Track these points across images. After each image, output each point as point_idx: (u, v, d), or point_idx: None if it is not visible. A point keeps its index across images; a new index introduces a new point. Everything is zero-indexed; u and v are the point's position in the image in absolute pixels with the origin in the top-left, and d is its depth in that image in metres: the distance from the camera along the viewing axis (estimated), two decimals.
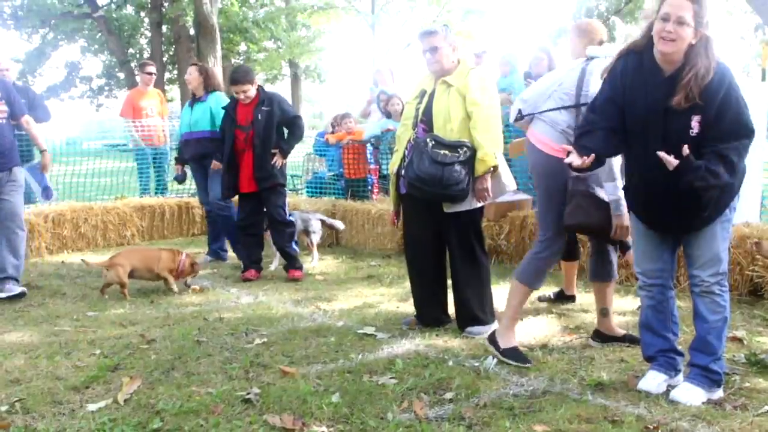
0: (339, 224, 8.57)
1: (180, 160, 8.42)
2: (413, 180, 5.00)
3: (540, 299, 6.13)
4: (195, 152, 8.12)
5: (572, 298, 6.19)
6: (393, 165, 5.43)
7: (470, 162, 4.95)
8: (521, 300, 4.74)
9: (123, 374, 4.36)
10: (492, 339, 4.70)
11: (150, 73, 11.27)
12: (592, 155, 3.80)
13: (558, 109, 4.57)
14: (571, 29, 5.79)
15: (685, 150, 3.57)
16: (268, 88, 7.37)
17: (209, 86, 8.13)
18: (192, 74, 8.19)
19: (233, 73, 7.32)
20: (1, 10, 30.37)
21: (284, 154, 7.27)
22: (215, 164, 7.76)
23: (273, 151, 7.16)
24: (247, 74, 7.23)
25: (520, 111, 4.83)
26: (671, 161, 3.61)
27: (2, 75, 7.83)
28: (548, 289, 6.32)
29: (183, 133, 8.28)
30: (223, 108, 7.50)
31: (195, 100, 8.20)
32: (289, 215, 7.46)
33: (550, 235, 4.65)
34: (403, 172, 5.19)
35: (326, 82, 39.31)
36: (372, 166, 10.03)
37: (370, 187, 9.99)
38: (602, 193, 4.50)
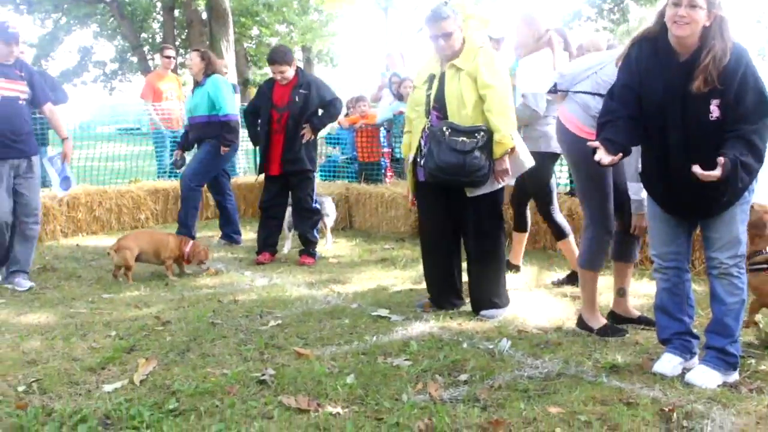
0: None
1: (180, 146, 8.40)
2: (434, 170, 4.97)
3: (553, 283, 6.12)
4: (195, 137, 8.13)
5: (517, 268, 6.44)
6: (406, 149, 5.41)
7: (488, 145, 4.92)
8: (592, 284, 4.79)
9: (138, 355, 4.39)
10: (582, 325, 4.78)
11: (169, 57, 11.33)
12: (620, 154, 3.79)
13: (592, 94, 4.53)
14: (518, 19, 5.86)
15: (720, 160, 3.54)
16: None
17: (210, 71, 8.01)
18: (193, 60, 8.08)
19: (271, 53, 7.26)
20: None
21: (314, 130, 7.18)
22: (223, 149, 7.76)
23: (303, 125, 7.07)
24: (285, 55, 7.13)
25: (555, 84, 4.81)
26: (713, 175, 3.55)
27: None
28: (562, 273, 6.32)
29: (186, 125, 8.28)
30: (222, 89, 7.55)
31: (196, 85, 8.15)
32: (315, 202, 7.44)
33: (596, 218, 4.66)
34: (422, 161, 5.13)
35: (339, 67, 39.20)
36: (385, 150, 10.01)
37: (383, 171, 9.98)
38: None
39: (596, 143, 3.80)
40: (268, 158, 7.22)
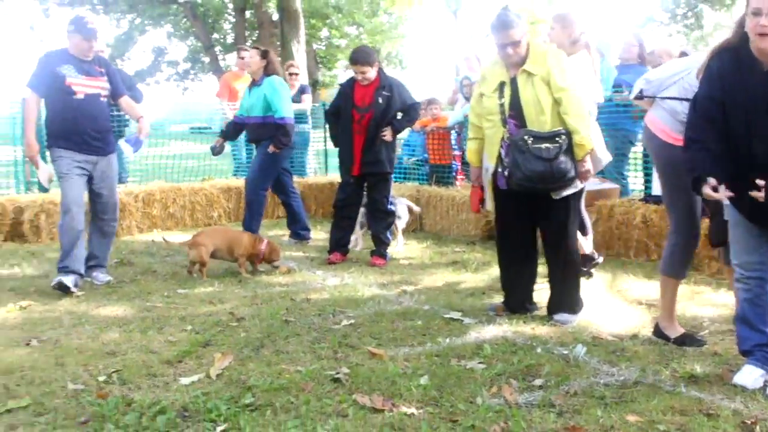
0: (416, 208, 8.58)
1: (222, 135, 8.39)
2: (522, 180, 4.90)
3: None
4: (251, 137, 8.20)
5: (589, 275, 6.32)
6: (472, 156, 5.35)
7: (570, 147, 4.89)
8: (672, 292, 4.70)
9: (214, 350, 4.45)
10: (659, 333, 4.69)
11: (244, 58, 11.46)
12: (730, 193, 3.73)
13: (680, 99, 4.46)
14: (553, 19, 5.76)
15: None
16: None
17: (269, 71, 7.92)
18: (253, 57, 7.98)
19: (354, 53, 7.24)
20: None
21: (395, 132, 7.20)
22: (272, 148, 7.76)
23: (384, 127, 7.07)
24: (368, 56, 7.13)
25: (641, 90, 4.75)
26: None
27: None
28: (637, 280, 6.23)
29: (238, 116, 8.27)
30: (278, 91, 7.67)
31: (253, 84, 8.09)
32: (390, 204, 7.45)
33: (682, 226, 4.60)
34: (505, 171, 5.04)
35: (408, 69, 39.26)
36: (456, 153, 9.99)
37: (454, 174, 9.96)
38: None
39: (714, 182, 3.72)
40: (347, 158, 7.24)
